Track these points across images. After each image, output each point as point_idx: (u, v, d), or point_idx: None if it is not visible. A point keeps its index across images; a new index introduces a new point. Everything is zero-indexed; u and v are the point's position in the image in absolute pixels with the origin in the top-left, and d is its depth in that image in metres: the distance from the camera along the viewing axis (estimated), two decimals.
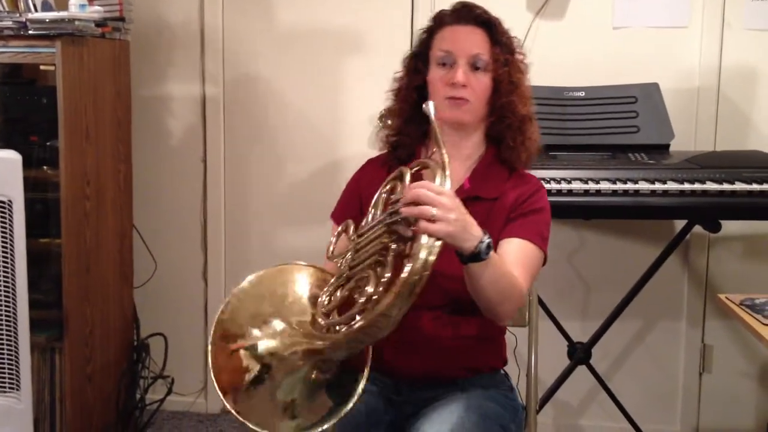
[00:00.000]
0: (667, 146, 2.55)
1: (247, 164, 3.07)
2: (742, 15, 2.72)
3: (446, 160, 1.45)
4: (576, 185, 2.27)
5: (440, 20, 1.74)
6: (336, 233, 1.63)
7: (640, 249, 2.84)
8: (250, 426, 1.42)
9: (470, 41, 1.68)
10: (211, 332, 1.49)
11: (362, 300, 1.38)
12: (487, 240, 1.43)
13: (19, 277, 2.12)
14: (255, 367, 1.47)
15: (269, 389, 1.46)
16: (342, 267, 1.50)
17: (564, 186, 2.26)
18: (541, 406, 2.67)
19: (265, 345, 1.48)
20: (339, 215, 1.82)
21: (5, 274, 2.11)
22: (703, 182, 2.28)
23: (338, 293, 1.48)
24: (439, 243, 1.35)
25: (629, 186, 2.26)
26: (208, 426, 3.08)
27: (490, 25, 1.70)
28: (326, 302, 1.48)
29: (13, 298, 2.12)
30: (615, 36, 2.80)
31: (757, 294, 2.04)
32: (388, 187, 1.57)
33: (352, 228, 1.59)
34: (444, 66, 1.69)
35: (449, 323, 1.65)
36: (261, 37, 3.00)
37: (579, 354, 2.67)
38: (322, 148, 3.01)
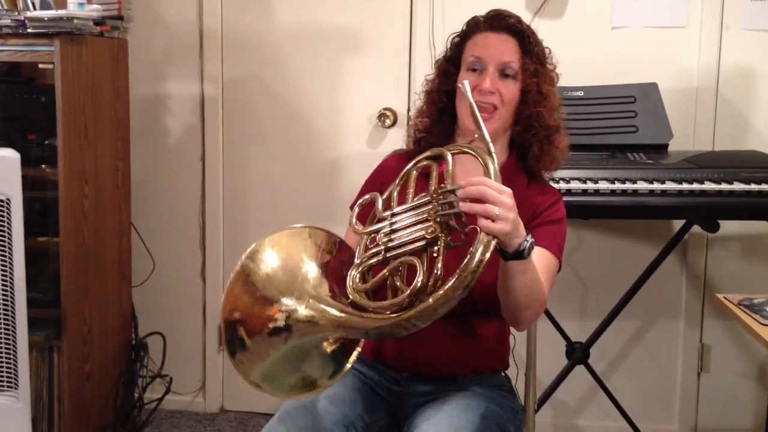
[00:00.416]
0: (666, 146, 2.55)
1: (246, 164, 3.07)
2: (741, 15, 2.72)
3: (492, 148, 1.46)
4: (574, 185, 2.27)
5: (474, 26, 1.76)
6: (360, 203, 1.63)
7: (639, 249, 2.84)
8: (233, 361, 1.44)
9: (501, 49, 1.70)
10: (238, 268, 1.46)
11: (412, 289, 1.38)
12: (530, 239, 1.45)
13: (17, 276, 2.12)
14: (271, 322, 1.44)
15: (270, 345, 1.45)
16: (373, 244, 1.50)
17: (562, 185, 2.26)
18: (540, 406, 2.67)
19: (288, 306, 1.45)
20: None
21: (3, 273, 2.11)
22: (701, 182, 2.28)
23: (371, 273, 1.47)
24: (495, 241, 1.36)
25: (628, 186, 2.26)
26: (206, 425, 3.08)
27: (522, 34, 1.72)
28: (358, 279, 1.46)
29: (11, 297, 2.12)
30: (614, 36, 2.80)
31: (755, 294, 2.04)
32: (422, 164, 1.59)
33: (380, 202, 1.58)
34: (474, 72, 1.70)
35: (456, 320, 1.65)
36: (260, 36, 3.00)
37: (577, 354, 2.67)
38: (321, 148, 3.01)
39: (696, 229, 2.64)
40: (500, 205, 1.36)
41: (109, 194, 2.78)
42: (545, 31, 2.80)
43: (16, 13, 2.48)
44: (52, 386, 2.57)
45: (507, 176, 1.67)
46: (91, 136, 2.64)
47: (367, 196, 1.63)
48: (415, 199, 1.51)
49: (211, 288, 3.13)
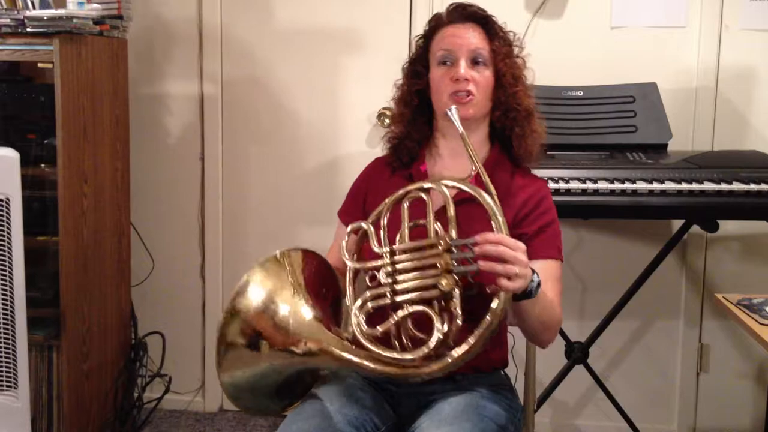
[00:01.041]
0: (665, 146, 2.55)
1: (245, 163, 3.07)
2: (740, 15, 2.72)
3: (491, 187, 1.50)
4: (574, 185, 2.27)
5: (436, 23, 1.77)
6: (348, 234, 1.62)
7: (638, 249, 2.84)
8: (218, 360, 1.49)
9: (469, 38, 1.70)
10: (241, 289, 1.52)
11: (437, 344, 1.42)
12: (537, 279, 1.48)
13: (16, 275, 2.12)
14: (252, 337, 1.50)
15: (252, 358, 1.50)
16: (374, 282, 1.51)
17: (562, 185, 2.26)
18: (539, 406, 2.67)
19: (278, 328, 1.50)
20: (345, 213, 1.84)
21: (3, 272, 2.11)
22: (700, 182, 2.28)
23: (367, 314, 1.50)
24: (510, 295, 1.43)
25: (627, 186, 2.26)
26: (206, 424, 3.08)
27: (486, 21, 1.73)
28: (364, 322, 1.48)
29: (10, 296, 2.12)
30: (613, 36, 2.80)
31: (755, 294, 2.04)
32: (411, 195, 1.57)
33: (373, 236, 1.56)
34: (445, 64, 1.70)
35: None
36: (259, 35, 3.00)
37: (576, 353, 2.67)
38: (321, 147, 3.01)
39: (695, 229, 2.64)
40: (518, 264, 1.39)
41: (108, 194, 2.78)
42: (544, 30, 2.84)
43: (16, 12, 2.48)
44: (52, 385, 2.57)
45: (490, 169, 1.67)
46: (91, 135, 2.64)
47: (356, 225, 1.60)
48: (418, 241, 1.50)
49: (211, 287, 3.13)
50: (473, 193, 1.51)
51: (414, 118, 1.78)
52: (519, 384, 1.93)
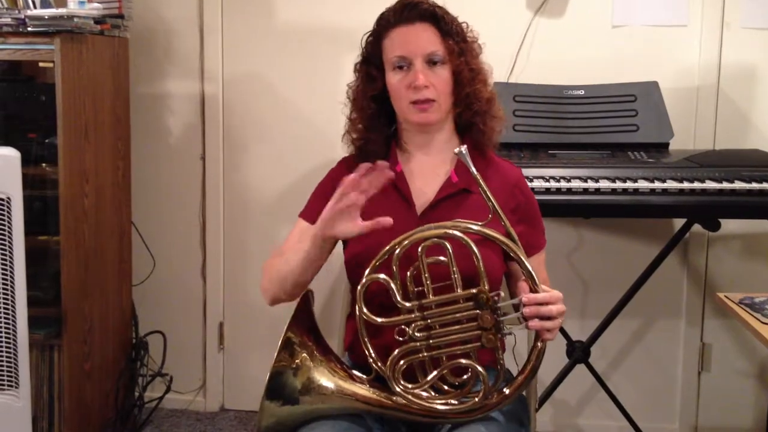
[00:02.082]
0: (667, 145, 2.54)
1: (246, 162, 3.07)
2: (742, 13, 2.71)
3: (513, 232, 1.52)
4: (575, 184, 2.27)
5: (385, 23, 1.69)
6: (366, 281, 1.52)
7: (639, 248, 2.84)
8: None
9: (421, 39, 1.64)
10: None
11: (482, 394, 1.49)
12: None
13: (17, 275, 2.12)
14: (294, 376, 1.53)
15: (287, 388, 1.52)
16: (403, 337, 1.50)
17: (563, 184, 2.26)
18: (540, 405, 2.67)
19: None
20: (310, 214, 1.78)
21: (4, 272, 2.11)
22: (702, 181, 2.28)
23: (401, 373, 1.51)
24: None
25: (628, 185, 2.26)
26: (206, 424, 3.08)
27: (436, 17, 1.66)
28: (401, 381, 1.49)
29: (11, 296, 2.12)
30: (614, 34, 2.80)
31: (756, 293, 2.04)
32: (428, 243, 1.49)
33: (396, 290, 1.49)
34: (401, 69, 1.65)
35: None
36: (260, 35, 3.00)
37: (578, 353, 2.67)
38: (321, 147, 3.00)
39: (697, 227, 2.64)
40: (561, 316, 1.48)
41: (109, 193, 2.78)
42: (546, 29, 2.84)
43: (17, 12, 2.48)
44: (53, 385, 2.57)
45: (463, 168, 1.64)
46: (92, 134, 2.64)
47: (372, 278, 1.50)
48: (452, 295, 1.48)
49: (212, 287, 3.13)
50: (497, 240, 1.50)
51: (373, 123, 1.73)
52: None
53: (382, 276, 1.49)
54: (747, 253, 2.83)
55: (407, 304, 1.48)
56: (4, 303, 2.11)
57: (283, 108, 3.02)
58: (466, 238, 1.47)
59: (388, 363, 1.48)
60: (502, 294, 1.49)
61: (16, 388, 2.15)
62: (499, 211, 1.49)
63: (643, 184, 2.26)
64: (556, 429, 3.00)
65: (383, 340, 1.52)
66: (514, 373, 1.56)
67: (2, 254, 2.10)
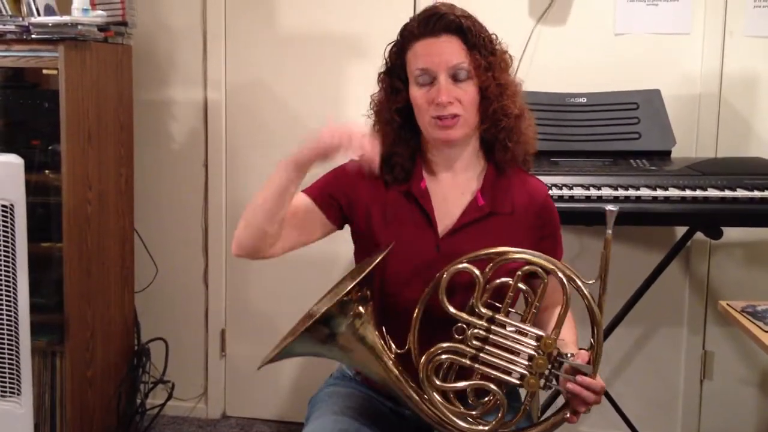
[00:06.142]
0: (669, 153, 2.54)
1: (249, 169, 3.07)
2: (744, 22, 2.72)
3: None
4: (577, 191, 2.27)
5: (409, 35, 1.62)
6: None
7: (641, 255, 2.84)
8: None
9: (446, 53, 1.57)
10: None
11: (490, 424, 1.49)
12: None
13: (20, 281, 2.12)
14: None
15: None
16: (462, 340, 1.49)
17: (565, 192, 2.26)
18: (542, 413, 2.66)
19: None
20: (314, 192, 1.78)
21: (6, 278, 2.11)
22: (704, 189, 2.28)
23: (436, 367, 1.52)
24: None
25: (631, 192, 2.26)
26: (208, 431, 3.07)
27: (462, 30, 1.58)
28: (433, 373, 1.50)
29: (14, 302, 2.12)
30: (617, 42, 2.80)
31: (759, 301, 2.04)
32: (525, 272, 1.51)
33: (480, 291, 1.50)
34: (425, 84, 1.58)
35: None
36: (263, 41, 3.01)
37: None
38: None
39: (699, 235, 2.64)
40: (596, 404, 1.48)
41: (112, 200, 2.79)
42: (548, 37, 2.84)
43: (21, 19, 2.49)
44: (55, 392, 2.57)
45: (494, 181, 1.65)
46: (95, 141, 2.64)
47: (471, 267, 1.49)
48: (527, 327, 1.49)
49: (214, 294, 3.13)
50: (590, 306, 1.53)
51: (399, 136, 1.66)
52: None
53: (477, 271, 1.48)
54: (749, 262, 2.83)
55: (483, 310, 1.48)
56: (6, 309, 2.11)
57: (286, 115, 3.02)
58: (569, 286, 1.51)
59: (432, 349, 1.48)
60: (569, 354, 1.49)
61: (18, 395, 2.15)
62: (605, 283, 1.57)
63: (645, 192, 2.26)
64: None
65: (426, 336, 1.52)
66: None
67: (5, 261, 2.10)
